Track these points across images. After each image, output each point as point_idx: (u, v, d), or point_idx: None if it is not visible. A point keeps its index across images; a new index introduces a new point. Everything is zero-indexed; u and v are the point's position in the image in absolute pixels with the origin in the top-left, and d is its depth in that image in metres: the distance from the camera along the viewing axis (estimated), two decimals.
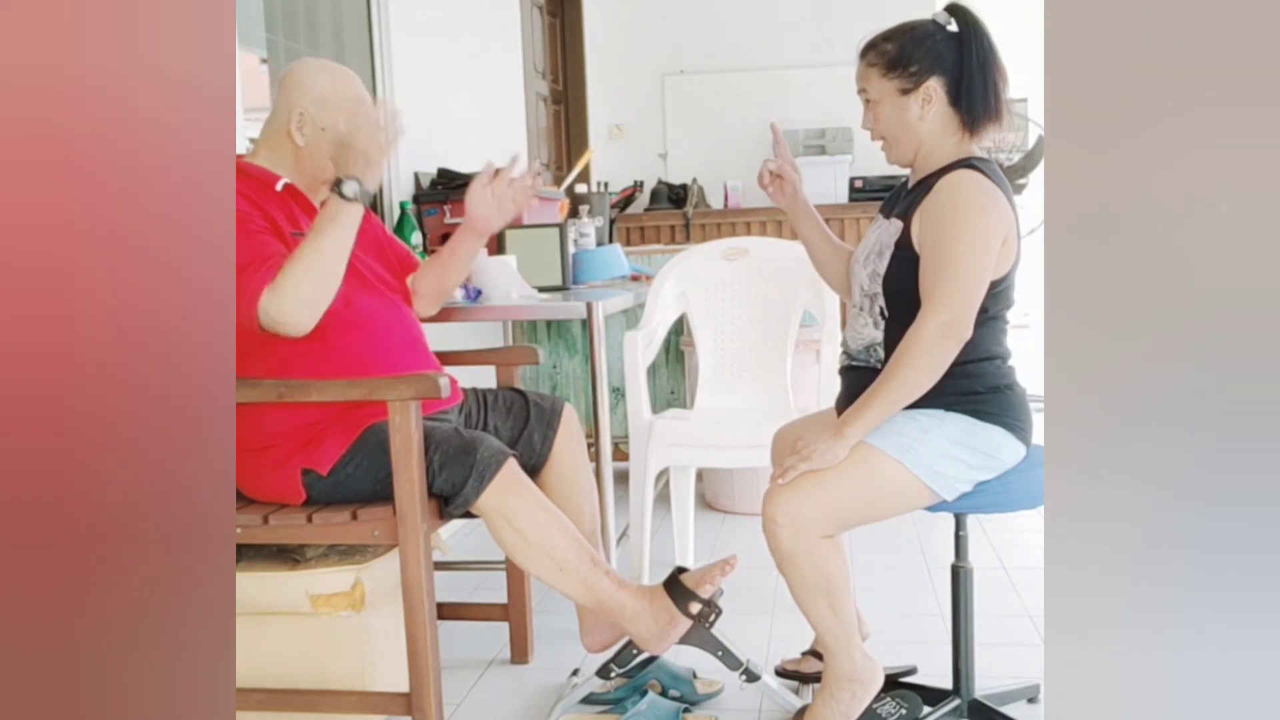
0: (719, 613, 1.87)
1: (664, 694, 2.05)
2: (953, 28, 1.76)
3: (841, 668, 1.77)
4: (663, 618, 1.85)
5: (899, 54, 1.76)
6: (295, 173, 1.93)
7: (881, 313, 1.79)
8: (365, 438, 1.81)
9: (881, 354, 1.78)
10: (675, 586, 1.86)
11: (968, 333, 1.67)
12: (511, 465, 1.81)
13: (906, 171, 1.87)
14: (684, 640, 1.87)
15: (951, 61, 1.74)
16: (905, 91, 1.76)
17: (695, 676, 2.11)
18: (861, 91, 1.82)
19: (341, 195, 1.74)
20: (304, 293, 1.71)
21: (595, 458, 2.31)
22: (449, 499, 1.80)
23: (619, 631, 1.93)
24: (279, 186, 1.89)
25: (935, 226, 1.70)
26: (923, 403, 1.72)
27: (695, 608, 1.84)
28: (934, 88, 1.75)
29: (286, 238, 1.82)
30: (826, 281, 2.08)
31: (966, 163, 1.74)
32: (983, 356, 1.75)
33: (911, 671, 2.12)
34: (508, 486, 1.79)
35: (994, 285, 1.72)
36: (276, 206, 1.87)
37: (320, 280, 1.73)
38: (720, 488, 3.50)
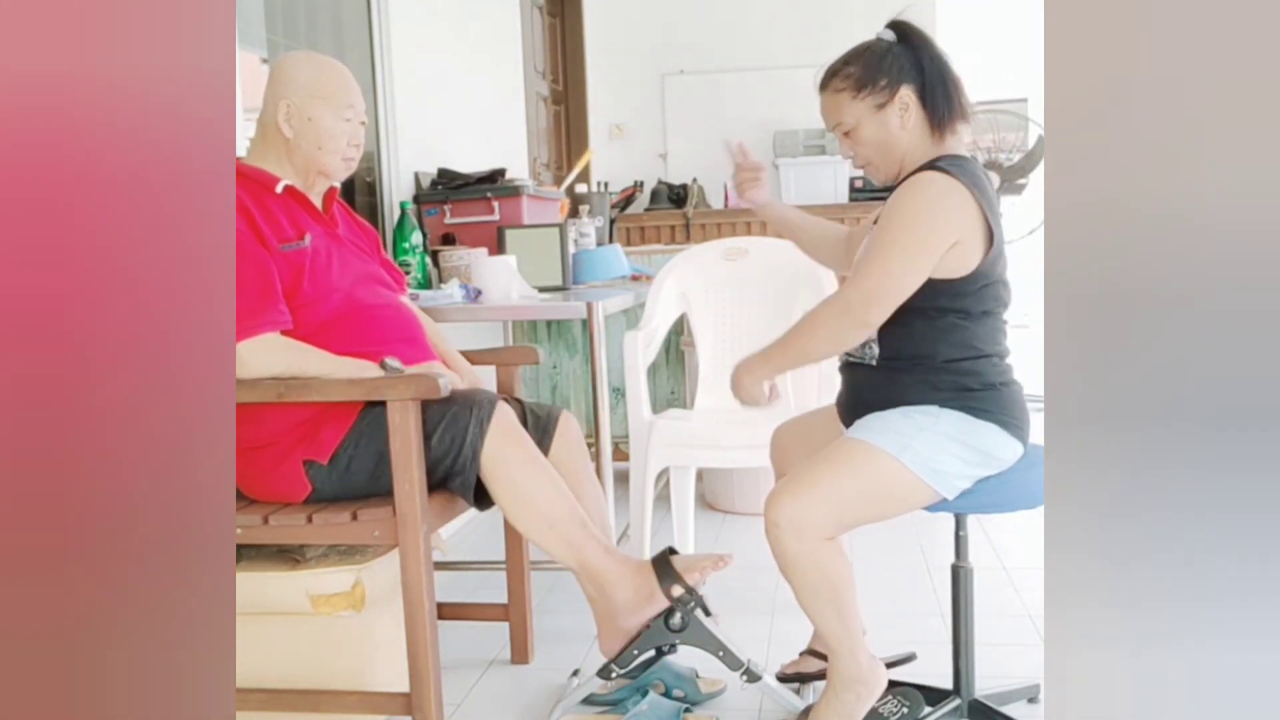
0: (699, 602, 1.86)
1: (667, 694, 2.05)
2: (894, 39, 1.79)
3: (847, 670, 1.77)
4: (642, 591, 1.86)
5: (865, 73, 1.78)
6: (290, 168, 1.92)
7: None
8: (361, 419, 1.83)
9: (876, 350, 1.79)
10: (663, 565, 1.87)
11: (874, 319, 1.70)
12: (505, 409, 1.84)
13: None
14: (684, 639, 1.87)
15: (913, 69, 1.77)
16: (881, 106, 1.77)
17: (698, 676, 2.11)
18: (836, 126, 1.84)
19: (384, 368, 1.82)
20: (277, 369, 1.77)
21: (595, 458, 2.31)
22: (452, 464, 1.80)
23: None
24: (279, 189, 1.88)
25: (882, 221, 1.74)
26: (917, 399, 1.73)
27: (677, 590, 1.85)
28: (908, 94, 1.77)
29: (274, 250, 1.81)
30: (825, 264, 2.15)
31: (933, 164, 1.74)
32: (978, 354, 1.76)
33: (910, 658, 2.12)
34: (504, 432, 1.82)
35: (959, 284, 1.72)
36: (278, 209, 1.87)
37: (298, 370, 1.78)
38: (720, 488, 3.50)
